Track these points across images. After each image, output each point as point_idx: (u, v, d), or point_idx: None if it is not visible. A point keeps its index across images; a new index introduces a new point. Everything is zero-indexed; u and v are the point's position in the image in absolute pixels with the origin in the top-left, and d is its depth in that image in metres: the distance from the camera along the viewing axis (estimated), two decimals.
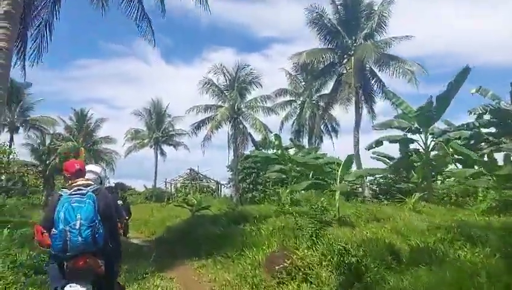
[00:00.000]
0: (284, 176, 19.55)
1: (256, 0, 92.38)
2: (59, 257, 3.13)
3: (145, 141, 45.73)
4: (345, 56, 21.94)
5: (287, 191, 16.58)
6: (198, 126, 27.05)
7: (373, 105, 21.71)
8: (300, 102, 33.41)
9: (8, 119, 37.27)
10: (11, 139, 37.37)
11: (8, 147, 23.58)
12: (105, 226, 3.25)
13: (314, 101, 32.63)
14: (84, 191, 3.24)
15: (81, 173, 3.53)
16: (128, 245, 10.97)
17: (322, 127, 32.52)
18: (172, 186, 41.41)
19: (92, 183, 3.48)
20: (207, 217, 12.67)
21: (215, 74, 26.64)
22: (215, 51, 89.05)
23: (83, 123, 41.12)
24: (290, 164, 19.03)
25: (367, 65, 20.79)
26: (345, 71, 22.08)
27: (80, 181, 3.39)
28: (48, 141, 42.21)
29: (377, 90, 21.60)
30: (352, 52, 20.92)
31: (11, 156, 23.43)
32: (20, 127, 38.60)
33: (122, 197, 35.18)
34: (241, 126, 27.25)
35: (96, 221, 3.14)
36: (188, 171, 36.91)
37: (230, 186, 45.52)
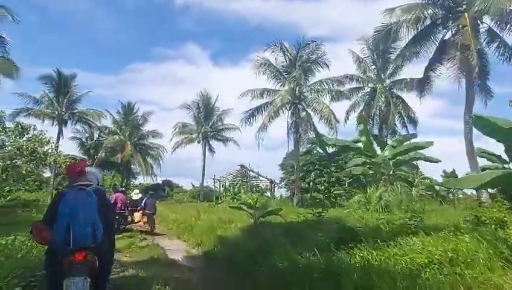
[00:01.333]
0: (371, 172, 14.95)
1: None
2: (58, 251, 3.23)
3: (193, 135, 42.92)
4: (451, 14, 16.70)
5: (379, 191, 12.04)
6: (252, 114, 23.20)
7: (487, 80, 16.38)
8: (369, 89, 28.38)
9: (57, 112, 36.18)
10: (60, 132, 36.27)
11: (45, 135, 21.04)
12: (102, 224, 3.39)
13: (387, 87, 27.41)
14: (86, 191, 3.45)
15: (82, 174, 3.71)
16: (164, 265, 7.20)
17: (396, 117, 27.26)
18: (221, 184, 38.03)
19: (92, 183, 3.69)
20: (280, 228, 8.55)
21: (272, 52, 22.66)
22: (264, 51, 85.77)
23: (130, 116, 39.09)
24: (386, 155, 14.26)
25: (482, 25, 15.61)
26: (448, 35, 16.83)
27: (81, 181, 3.61)
28: (96, 135, 41.02)
29: (500, 57, 16.00)
30: (464, 6, 15.80)
31: (48, 146, 20.93)
32: (68, 120, 37.26)
33: (164, 195, 31.90)
34: (303, 114, 22.95)
35: (96, 218, 3.35)
36: (239, 167, 33.11)
37: (281, 186, 41.49)
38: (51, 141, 21.62)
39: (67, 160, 22.59)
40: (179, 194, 41.72)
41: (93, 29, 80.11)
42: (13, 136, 19.70)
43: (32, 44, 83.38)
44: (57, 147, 36.09)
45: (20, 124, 20.36)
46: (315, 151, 31.87)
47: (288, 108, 22.19)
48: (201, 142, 43.03)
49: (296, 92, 21.97)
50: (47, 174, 35.15)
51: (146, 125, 40.93)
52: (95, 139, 39.98)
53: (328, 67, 22.61)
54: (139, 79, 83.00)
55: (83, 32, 77.68)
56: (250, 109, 23.33)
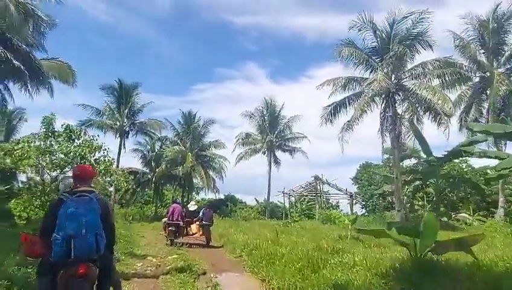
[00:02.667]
0: None
1: (364, 9, 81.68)
2: (56, 265, 2.97)
3: (257, 145, 39.37)
4: None
5: None
6: (334, 109, 18.71)
7: None
8: (478, 78, 22.39)
9: (118, 123, 35.00)
10: (121, 144, 34.94)
11: (97, 140, 18.45)
12: (105, 233, 3.18)
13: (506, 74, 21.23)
14: (87, 198, 3.14)
15: (84, 179, 3.43)
16: None
17: None
18: (291, 198, 33.62)
19: (95, 190, 3.40)
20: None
21: (359, 31, 18.16)
22: (322, 67, 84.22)
23: (191, 125, 36.63)
24: None
25: None
26: None
27: (84, 187, 3.32)
28: (157, 147, 39.29)
29: None
30: None
31: (101, 153, 18.28)
32: (130, 132, 35.83)
33: (227, 211, 28.74)
34: (404, 106, 17.88)
35: (99, 228, 3.10)
36: (312, 179, 28.49)
37: (356, 201, 35.78)
38: (103, 148, 18.93)
39: (122, 171, 19.88)
40: (244, 210, 38.01)
41: (160, 55, 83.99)
42: (60, 141, 17.31)
43: (101, 69, 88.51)
44: (118, 159, 35.10)
45: (69, 127, 17.96)
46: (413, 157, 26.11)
47: (383, 99, 17.35)
48: (266, 152, 39.31)
49: (393, 78, 17.09)
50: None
51: (207, 135, 38.22)
52: (156, 150, 38.11)
53: (431, 47, 17.46)
54: (202, 99, 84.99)
55: (150, 58, 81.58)
56: (332, 104, 18.85)
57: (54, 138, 17.58)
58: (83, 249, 2.93)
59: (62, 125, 18.04)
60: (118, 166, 34.73)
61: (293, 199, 43.29)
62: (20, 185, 26.44)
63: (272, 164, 39.27)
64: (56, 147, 16.91)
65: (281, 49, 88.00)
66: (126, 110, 34.98)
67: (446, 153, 16.48)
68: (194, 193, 46.61)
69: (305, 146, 40.48)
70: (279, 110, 40.10)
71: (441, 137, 20.22)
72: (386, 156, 49.95)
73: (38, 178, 19.39)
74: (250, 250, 9.97)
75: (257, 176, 72.71)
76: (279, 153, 39.97)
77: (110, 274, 3.35)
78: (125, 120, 35.20)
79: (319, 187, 28.47)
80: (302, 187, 30.85)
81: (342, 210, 30.89)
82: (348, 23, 17.54)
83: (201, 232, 13.36)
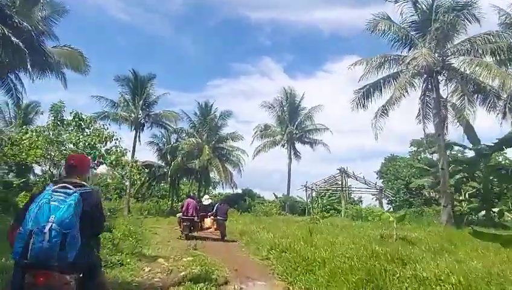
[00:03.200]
0: None
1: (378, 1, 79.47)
2: (18, 264, 2.43)
3: (277, 137, 37.68)
4: None
5: None
6: (367, 92, 16.79)
7: None
8: None
9: (133, 115, 33.91)
10: (136, 138, 33.82)
11: (107, 129, 17.27)
12: (85, 234, 2.54)
13: None
14: (70, 191, 2.54)
15: (74, 170, 2.89)
16: None
17: None
18: (313, 193, 31.84)
19: (85, 184, 2.82)
20: None
21: (395, 2, 16.17)
22: (340, 61, 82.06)
23: (207, 116, 35.19)
24: None
25: None
26: None
27: (72, 179, 2.79)
28: (173, 140, 38.13)
29: None
30: None
31: (113, 143, 17.07)
32: (145, 124, 34.68)
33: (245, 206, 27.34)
34: (446, 88, 15.86)
35: (73, 229, 2.41)
36: (337, 172, 26.65)
37: (388, 195, 33.65)
38: (115, 137, 17.65)
39: (135, 162, 18.61)
40: (264, 204, 36.44)
41: (176, 51, 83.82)
42: (70, 130, 16.14)
43: (119, 66, 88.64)
44: (133, 152, 33.98)
45: (79, 115, 16.77)
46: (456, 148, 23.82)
47: (424, 80, 15.34)
48: (286, 145, 37.60)
49: (436, 56, 15.07)
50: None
51: (224, 128, 36.73)
52: (172, 143, 36.91)
53: (478, 22, 15.32)
54: (218, 94, 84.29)
55: (166, 55, 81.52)
56: (365, 86, 16.93)
57: (63, 127, 16.44)
58: (41, 250, 2.30)
59: (71, 113, 16.86)
60: (133, 160, 33.83)
61: (313, 193, 41.60)
62: (36, 179, 25.68)
63: (292, 157, 37.60)
64: (65, 137, 15.73)
65: (296, 44, 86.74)
66: (141, 102, 33.82)
67: (497, 141, 14.45)
68: (210, 188, 45.42)
69: (327, 138, 38.62)
70: (300, 101, 38.35)
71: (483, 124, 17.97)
72: (413, 148, 48.22)
73: (55, 171, 18.32)
74: (280, 252, 8.37)
75: (274, 172, 71.32)
76: (299, 146, 38.29)
77: (94, 280, 2.75)
78: (140, 112, 34.04)
79: (344, 181, 26.54)
80: (325, 181, 29.02)
81: (371, 205, 28.81)
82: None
83: (215, 227, 13.32)
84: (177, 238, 12.74)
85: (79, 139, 15.68)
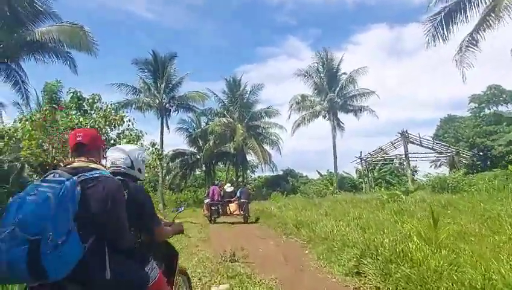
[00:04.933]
0: None
1: None
2: None
3: (316, 108, 33.35)
4: None
5: None
6: (447, 17, 12.22)
7: None
8: None
9: (157, 101, 30.96)
10: (163, 124, 30.92)
11: (115, 109, 14.05)
12: (91, 242, 1.74)
13: None
14: (63, 178, 1.74)
15: (81, 148, 2.03)
16: None
17: None
18: (369, 166, 27.44)
19: (98, 168, 1.95)
20: None
21: None
22: (366, 31, 76.40)
23: (237, 92, 31.50)
24: None
25: None
26: None
27: (77, 162, 1.98)
28: (203, 124, 34.94)
29: None
30: None
31: (125, 125, 13.84)
32: (170, 108, 31.63)
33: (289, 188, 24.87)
34: None
35: (53, 233, 1.58)
36: (399, 135, 22.09)
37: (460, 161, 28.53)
38: (128, 118, 14.36)
39: (152, 145, 15.31)
40: (311, 184, 32.69)
41: (201, 41, 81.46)
42: (65, 113, 12.98)
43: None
44: (161, 140, 31.18)
45: (77, 94, 13.59)
46: None
47: None
48: (327, 115, 33.22)
49: None
50: None
51: (257, 104, 32.92)
52: (202, 127, 33.77)
53: None
54: (247, 80, 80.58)
55: (193, 46, 79.30)
56: (443, 10, 12.37)
57: (60, 110, 13.32)
58: (5, 261, 1.54)
59: (67, 92, 13.75)
60: (162, 148, 31.03)
61: (360, 167, 37.17)
62: None
63: (336, 128, 33.20)
64: (60, 122, 12.56)
65: (320, 19, 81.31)
66: (163, 85, 30.75)
67: None
68: (249, 171, 42.27)
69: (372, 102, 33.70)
70: (338, 64, 33.56)
71: None
72: (473, 104, 42.03)
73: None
74: (386, 262, 4.53)
75: (314, 149, 66.98)
76: (341, 116, 33.74)
77: None
78: (164, 96, 31.03)
79: (406, 147, 21.94)
80: (382, 149, 24.54)
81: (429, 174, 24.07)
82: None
83: (239, 210, 14.18)
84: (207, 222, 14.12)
85: (80, 122, 12.51)
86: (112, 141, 13.49)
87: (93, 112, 13.86)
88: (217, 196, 14.21)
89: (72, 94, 13.41)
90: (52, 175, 1.83)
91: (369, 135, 64.66)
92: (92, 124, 12.91)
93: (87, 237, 1.73)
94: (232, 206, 14.38)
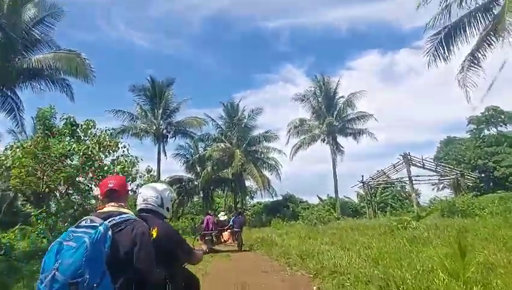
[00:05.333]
0: None
1: None
2: None
3: (315, 131, 33.08)
4: None
5: None
6: (446, 37, 11.96)
7: None
8: None
9: (154, 127, 30.62)
10: (160, 150, 30.44)
11: (111, 134, 13.68)
12: (125, 278, 1.91)
13: None
14: (95, 223, 1.91)
15: (114, 194, 2.25)
16: None
17: None
18: (367, 191, 26.82)
19: (127, 212, 2.16)
20: None
21: None
22: (360, 57, 78.98)
23: (235, 117, 31.25)
24: None
25: None
26: None
27: (109, 207, 2.19)
28: (201, 149, 34.46)
29: None
30: None
31: (120, 151, 13.43)
32: (168, 134, 31.27)
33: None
34: None
35: (90, 277, 1.71)
36: (401, 157, 21.65)
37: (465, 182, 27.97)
38: (123, 145, 13.96)
39: (148, 171, 14.82)
40: (314, 209, 31.91)
41: (201, 70, 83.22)
42: (59, 140, 12.57)
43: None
44: (158, 166, 30.64)
45: (71, 120, 13.21)
46: None
47: None
48: (326, 139, 32.89)
49: None
50: None
51: (256, 128, 32.59)
52: (199, 152, 33.29)
53: None
54: (244, 105, 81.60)
55: (191, 74, 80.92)
56: (444, 29, 12.16)
57: (53, 137, 12.91)
58: None
59: (61, 117, 13.34)
60: (158, 175, 30.39)
61: (361, 191, 36.55)
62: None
63: (336, 152, 32.81)
64: (52, 148, 12.11)
65: (315, 46, 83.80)
66: (160, 111, 30.53)
67: None
68: (247, 197, 41.45)
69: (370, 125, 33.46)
70: (336, 88, 33.59)
71: None
72: (471, 126, 41.93)
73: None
74: None
75: (313, 173, 66.36)
76: (341, 139, 33.43)
77: None
78: (161, 122, 30.74)
79: (408, 170, 21.44)
80: (384, 173, 24.05)
81: (436, 197, 23.51)
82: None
83: (233, 238, 14.34)
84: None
85: (72, 149, 12.04)
86: (106, 168, 13.03)
87: (87, 138, 13.43)
88: (211, 225, 14.26)
89: (65, 120, 13.01)
90: (84, 221, 1.97)
91: (368, 159, 64.33)
92: (85, 151, 12.46)
93: (117, 278, 1.85)
94: (226, 235, 14.53)
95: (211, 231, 14.03)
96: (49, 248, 1.84)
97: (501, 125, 39.57)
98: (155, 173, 14.42)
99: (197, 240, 15.31)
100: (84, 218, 2.01)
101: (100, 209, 2.20)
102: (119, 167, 12.79)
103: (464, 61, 12.12)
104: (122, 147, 13.83)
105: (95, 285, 1.72)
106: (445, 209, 13.56)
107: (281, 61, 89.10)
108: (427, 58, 12.63)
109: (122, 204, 2.24)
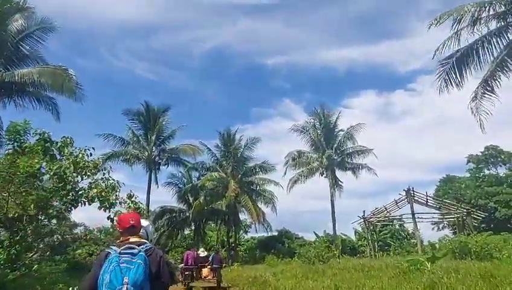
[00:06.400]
0: None
1: (393, 35, 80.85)
2: None
3: (314, 164, 31.81)
4: None
5: None
6: (458, 62, 10.92)
7: None
8: None
9: (146, 153, 29.28)
10: (151, 178, 28.93)
11: (91, 155, 12.35)
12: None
13: None
14: (135, 251, 2.63)
15: (134, 229, 2.89)
16: None
17: None
18: (367, 228, 25.15)
19: (146, 241, 2.88)
20: None
21: None
22: (357, 96, 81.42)
23: (230, 146, 30.06)
24: None
25: None
26: None
27: (133, 239, 2.82)
28: (195, 179, 32.91)
29: None
30: None
31: (100, 174, 12.09)
32: (160, 162, 29.85)
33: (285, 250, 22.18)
34: None
35: (145, 286, 2.55)
36: (404, 192, 20.25)
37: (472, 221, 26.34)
38: (102, 167, 12.65)
39: (129, 197, 13.30)
40: (313, 249, 29.97)
41: (199, 103, 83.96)
42: (31, 156, 11.22)
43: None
44: (148, 195, 29.01)
45: (45, 136, 11.92)
46: None
47: None
48: (325, 173, 31.59)
49: None
50: None
51: (252, 159, 31.31)
52: (192, 182, 31.78)
53: None
54: (241, 135, 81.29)
55: (189, 106, 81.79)
56: (455, 54, 11.28)
57: (23, 154, 11.56)
58: None
59: (33, 133, 12.07)
60: (148, 205, 28.72)
61: (359, 228, 34.83)
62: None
63: (335, 187, 31.41)
64: (20, 166, 10.73)
65: (313, 84, 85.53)
66: (154, 137, 29.31)
67: None
68: (241, 232, 39.45)
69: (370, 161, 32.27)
70: (336, 120, 32.76)
71: None
72: (471, 165, 40.89)
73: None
74: None
75: (306, 212, 64.49)
76: (339, 174, 32.14)
77: None
78: (154, 148, 29.45)
79: (412, 206, 19.96)
80: (386, 209, 22.55)
81: (446, 236, 21.91)
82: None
83: (212, 275, 14.41)
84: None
85: (42, 168, 10.69)
86: (80, 192, 11.63)
87: (64, 157, 12.07)
88: (190, 261, 14.52)
89: (38, 136, 11.71)
90: (126, 248, 2.62)
91: (365, 197, 62.81)
92: (57, 170, 11.10)
93: (151, 288, 2.60)
94: (205, 271, 14.73)
95: (191, 266, 14.31)
96: (109, 269, 2.46)
97: (500, 165, 38.73)
98: (138, 200, 12.90)
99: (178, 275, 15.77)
100: (125, 246, 2.64)
101: (127, 239, 2.77)
102: (95, 190, 11.36)
103: (477, 88, 11.17)
104: (102, 170, 12.51)
105: None
106: (457, 250, 12.07)
107: (279, 96, 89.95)
108: (438, 84, 11.68)
109: (140, 236, 2.89)
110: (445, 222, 36.03)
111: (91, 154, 12.75)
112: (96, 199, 11.64)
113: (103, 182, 12.63)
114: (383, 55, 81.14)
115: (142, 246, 2.65)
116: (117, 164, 28.22)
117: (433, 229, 38.63)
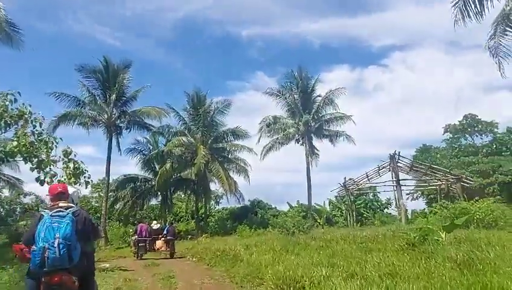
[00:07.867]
0: None
1: (368, 10, 78.52)
2: (36, 272, 3.22)
3: (290, 130, 29.90)
4: None
5: None
6: None
7: None
8: None
9: (106, 116, 26.17)
10: (111, 144, 25.99)
11: (11, 97, 9.65)
12: (81, 245, 3.38)
13: None
14: (63, 213, 3.37)
15: (63, 195, 3.67)
16: None
17: None
18: (348, 197, 23.80)
19: (73, 205, 3.62)
20: None
21: None
22: (330, 71, 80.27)
23: (200, 109, 27.42)
24: None
25: None
26: None
27: (61, 203, 3.54)
28: (161, 146, 30.22)
29: None
30: None
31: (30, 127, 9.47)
32: (121, 125, 26.78)
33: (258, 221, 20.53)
34: None
35: (73, 240, 3.27)
36: (386, 160, 18.72)
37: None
38: (35, 118, 10.03)
39: (65, 153, 10.75)
40: (287, 216, 28.58)
41: (170, 74, 78.85)
42: None
43: None
44: (108, 163, 26.19)
45: None
46: None
47: None
48: (301, 140, 29.82)
49: None
50: None
51: (224, 123, 28.92)
52: (158, 148, 29.14)
53: None
54: (212, 98, 77.72)
55: (160, 78, 76.58)
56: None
57: None
58: (55, 260, 3.12)
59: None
60: (108, 173, 26.00)
61: (333, 199, 33.83)
62: None
63: (311, 155, 29.74)
64: None
65: (288, 57, 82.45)
66: (113, 97, 26.09)
67: None
68: (212, 202, 37.53)
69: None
70: (314, 84, 30.71)
71: None
72: (448, 135, 40.56)
73: None
74: None
75: (277, 184, 63.45)
76: (316, 143, 30.43)
77: (89, 283, 3.57)
78: (114, 110, 26.34)
79: (396, 172, 18.49)
80: (367, 176, 21.10)
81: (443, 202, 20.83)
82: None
83: (165, 247, 14.79)
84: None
85: None
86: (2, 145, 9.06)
87: None
88: (144, 233, 14.86)
89: None
90: (55, 212, 3.36)
91: (338, 170, 62.44)
92: None
93: (79, 241, 3.31)
94: (159, 243, 14.97)
95: (144, 238, 14.59)
96: (43, 227, 3.20)
97: (477, 135, 38.41)
98: (76, 158, 10.34)
99: (130, 246, 16.13)
100: (56, 209, 3.38)
101: (56, 204, 3.50)
102: (15, 143, 8.78)
103: (496, 22, 9.35)
104: (39, 123, 9.89)
105: (76, 246, 3.26)
106: (448, 215, 10.63)
107: (253, 69, 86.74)
108: (454, 13, 9.72)
109: (68, 200, 3.64)
110: (419, 192, 35.70)
111: (15, 100, 10.07)
112: (18, 155, 9.06)
113: (36, 137, 10.06)
114: (358, 29, 79.62)
115: (69, 209, 3.42)
116: (72, 128, 25.14)
117: (407, 199, 38.33)
